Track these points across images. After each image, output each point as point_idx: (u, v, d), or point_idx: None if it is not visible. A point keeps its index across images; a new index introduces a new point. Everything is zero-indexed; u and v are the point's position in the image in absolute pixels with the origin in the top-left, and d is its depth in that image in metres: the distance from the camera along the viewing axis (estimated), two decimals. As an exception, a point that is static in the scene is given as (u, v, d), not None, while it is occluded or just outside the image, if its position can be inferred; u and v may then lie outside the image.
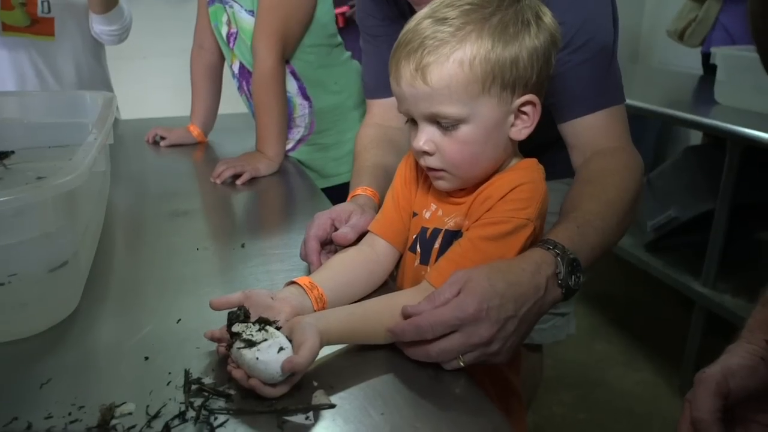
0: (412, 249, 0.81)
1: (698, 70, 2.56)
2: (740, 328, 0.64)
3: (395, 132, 1.08)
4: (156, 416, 0.57)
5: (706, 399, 0.56)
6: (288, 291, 0.72)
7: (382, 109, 1.11)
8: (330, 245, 0.85)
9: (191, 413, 0.57)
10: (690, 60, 2.64)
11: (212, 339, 0.66)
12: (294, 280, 0.73)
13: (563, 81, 0.84)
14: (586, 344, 2.24)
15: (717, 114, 1.88)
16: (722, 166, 1.76)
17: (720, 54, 1.94)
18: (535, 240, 0.73)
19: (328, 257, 0.83)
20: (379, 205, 0.90)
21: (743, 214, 1.88)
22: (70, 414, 0.57)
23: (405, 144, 1.02)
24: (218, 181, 1.27)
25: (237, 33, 1.40)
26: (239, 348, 0.58)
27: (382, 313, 0.68)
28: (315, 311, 0.71)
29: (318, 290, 0.72)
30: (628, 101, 2.02)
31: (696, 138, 2.86)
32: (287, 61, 1.39)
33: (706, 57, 2.47)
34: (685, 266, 2.01)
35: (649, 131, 2.98)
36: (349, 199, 0.94)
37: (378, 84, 1.10)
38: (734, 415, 0.58)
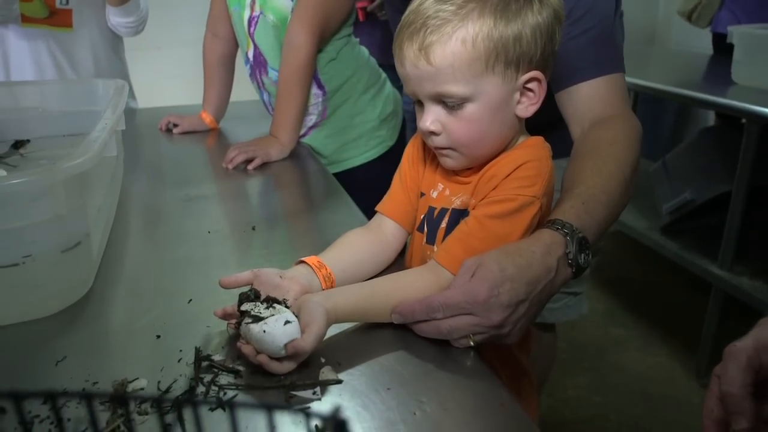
0: (420, 229, 0.81)
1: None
2: (757, 310, 0.62)
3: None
4: (167, 391, 0.58)
5: (736, 372, 0.52)
6: (296, 270, 0.73)
7: None
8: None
9: (201, 388, 0.58)
10: (707, 41, 2.60)
11: (222, 316, 0.67)
12: (302, 259, 0.74)
13: (561, 51, 0.83)
14: (601, 328, 2.23)
15: (734, 94, 1.85)
16: (739, 147, 1.73)
17: (737, 33, 1.90)
18: (542, 217, 0.73)
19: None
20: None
21: (761, 196, 1.85)
22: (84, 389, 0.59)
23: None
24: (230, 167, 1.28)
25: (259, 17, 1.40)
26: (247, 323, 0.59)
27: (390, 292, 0.68)
28: (323, 290, 0.72)
29: (326, 269, 0.73)
30: (646, 83, 2.02)
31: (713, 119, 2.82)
32: None
33: (716, 37, 2.44)
34: (701, 249, 1.99)
35: (666, 113, 2.94)
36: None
37: None
38: (765, 391, 0.54)
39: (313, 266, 0.73)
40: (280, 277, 0.70)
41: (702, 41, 2.68)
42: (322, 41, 1.36)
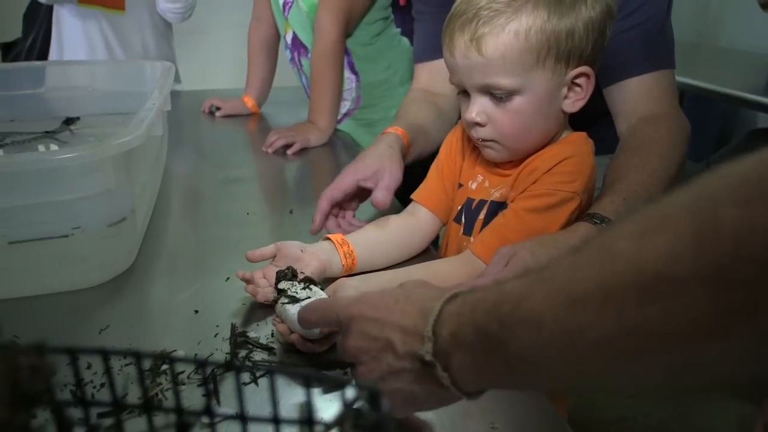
0: (457, 220, 0.81)
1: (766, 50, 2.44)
2: None
3: (439, 98, 1.03)
4: (207, 361, 0.60)
5: None
6: (319, 245, 0.74)
7: (429, 74, 1.05)
8: (349, 205, 0.86)
9: (248, 365, 0.60)
10: (759, 40, 2.51)
11: (243, 279, 0.70)
12: (328, 235, 0.76)
13: (611, 45, 0.81)
14: (634, 330, 2.20)
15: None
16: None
17: (793, 33, 1.84)
18: (581, 214, 0.73)
19: (339, 222, 0.85)
20: (408, 145, 0.90)
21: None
22: (125, 357, 0.61)
23: (449, 110, 1.00)
24: (270, 151, 1.29)
25: (293, 2, 1.42)
26: (283, 303, 0.61)
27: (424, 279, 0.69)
28: (343, 266, 0.73)
29: (348, 246, 0.74)
30: (693, 81, 1.97)
31: (765, 122, 2.73)
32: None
33: None
34: (743, 254, 1.94)
35: (713, 113, 2.86)
36: (380, 135, 0.91)
37: (429, 44, 1.05)
38: None
39: (335, 242, 0.74)
40: (301, 251, 0.71)
41: (754, 40, 2.59)
42: (349, 25, 1.38)
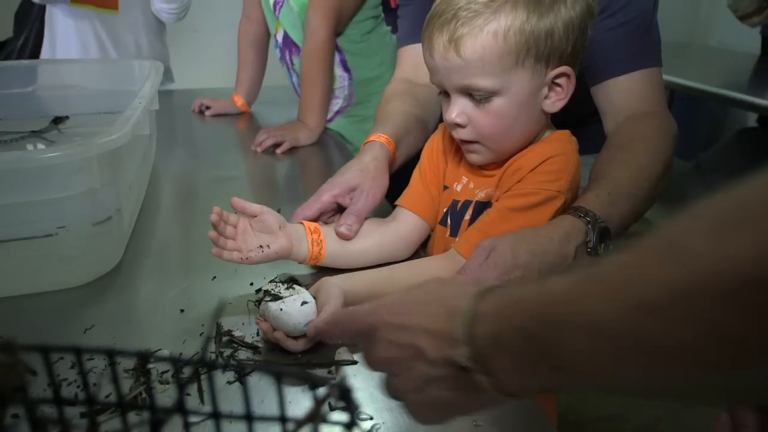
0: (443, 222, 0.81)
1: (758, 50, 2.45)
2: None
3: (423, 89, 1.00)
4: (190, 361, 0.60)
5: None
6: (294, 227, 0.74)
7: (412, 61, 1.02)
8: (330, 220, 0.83)
9: (221, 362, 0.60)
10: (749, 40, 2.53)
11: (214, 222, 0.69)
12: (304, 221, 0.76)
13: (598, 44, 0.81)
14: (625, 328, 2.21)
15: (775, 95, 1.80)
16: (777, 150, 1.69)
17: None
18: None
19: None
20: (394, 152, 0.88)
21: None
22: (108, 357, 0.61)
23: (432, 103, 0.98)
24: (259, 150, 1.29)
25: (284, 1, 1.42)
26: (266, 301, 0.61)
27: (407, 277, 0.69)
28: (309, 253, 0.74)
29: (318, 236, 0.75)
30: (683, 81, 1.98)
31: (754, 121, 2.75)
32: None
33: (766, 39, 2.36)
34: (732, 253, 1.95)
35: (703, 112, 2.88)
36: (363, 145, 0.89)
37: (415, 28, 0.99)
38: None
39: (307, 229, 0.75)
40: (279, 227, 0.71)
41: (744, 40, 2.60)
42: (339, 23, 1.38)
